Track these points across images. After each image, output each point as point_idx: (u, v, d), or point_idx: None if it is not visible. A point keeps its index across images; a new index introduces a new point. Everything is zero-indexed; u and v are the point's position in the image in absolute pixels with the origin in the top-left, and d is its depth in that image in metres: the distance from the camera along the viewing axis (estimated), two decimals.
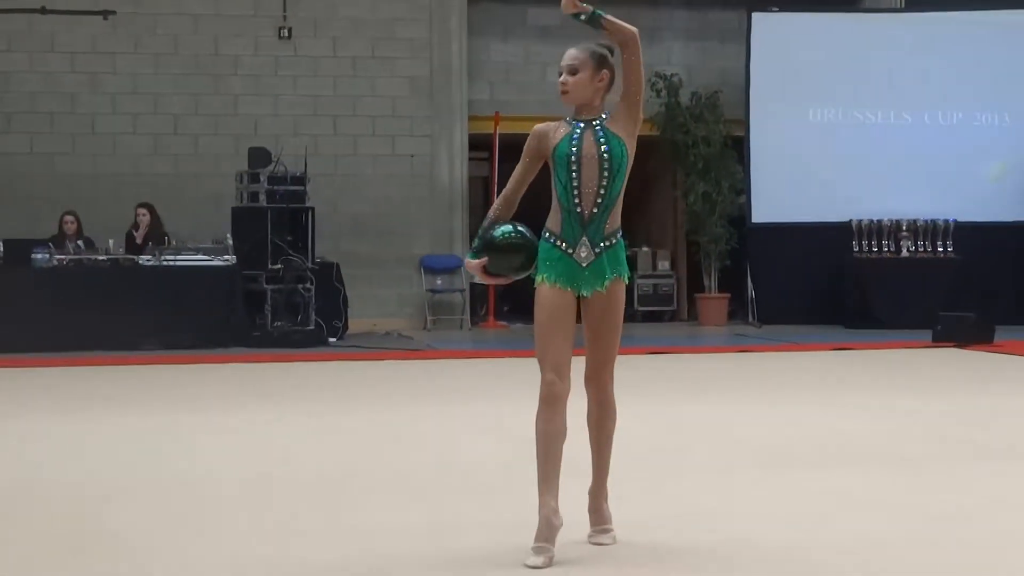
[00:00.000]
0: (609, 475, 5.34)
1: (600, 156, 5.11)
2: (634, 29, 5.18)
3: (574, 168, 5.10)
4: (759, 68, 18.69)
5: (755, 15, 18.79)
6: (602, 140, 5.13)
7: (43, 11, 17.85)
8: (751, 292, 18.81)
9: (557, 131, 5.19)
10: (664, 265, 20.18)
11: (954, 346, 15.06)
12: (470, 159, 19.36)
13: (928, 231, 18.54)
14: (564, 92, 5.20)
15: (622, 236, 5.24)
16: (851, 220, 18.46)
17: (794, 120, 18.74)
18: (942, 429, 8.82)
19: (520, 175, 5.28)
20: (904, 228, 18.47)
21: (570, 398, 5.11)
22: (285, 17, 18.52)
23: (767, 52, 18.68)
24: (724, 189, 19.21)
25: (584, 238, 5.12)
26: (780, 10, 19.02)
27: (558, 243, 5.14)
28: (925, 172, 18.74)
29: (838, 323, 18.14)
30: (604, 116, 5.22)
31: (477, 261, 5.21)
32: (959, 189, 18.66)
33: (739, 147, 19.03)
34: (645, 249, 20.39)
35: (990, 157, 18.85)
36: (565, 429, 5.09)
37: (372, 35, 18.72)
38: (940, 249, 18.50)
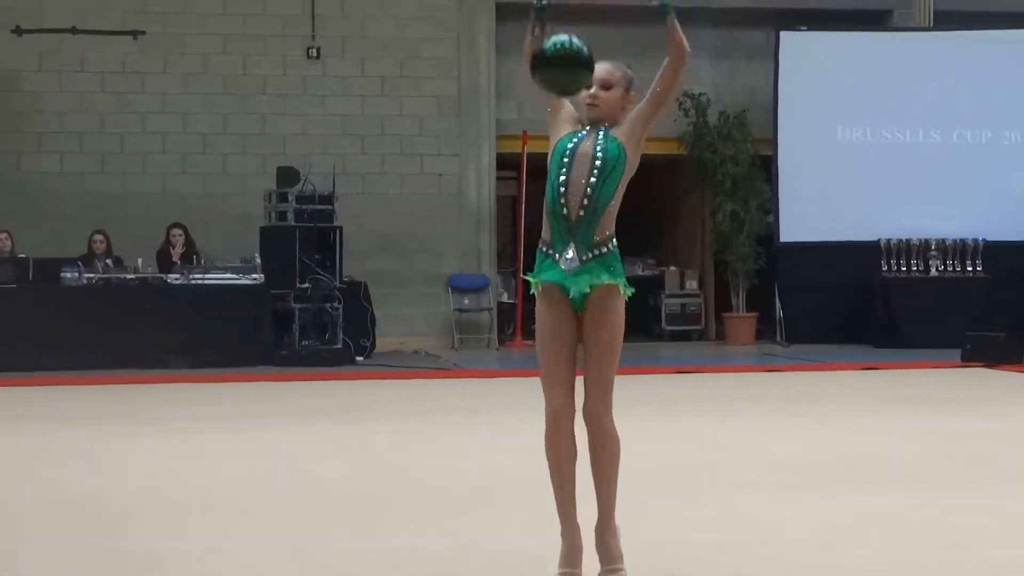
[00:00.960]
0: (616, 509, 5.01)
1: (593, 154, 4.90)
2: (688, 47, 5.19)
3: (565, 163, 4.90)
4: (787, 87, 18.65)
5: (783, 34, 18.76)
6: (600, 140, 4.95)
7: (73, 31, 17.96)
8: (779, 311, 18.76)
9: (566, 122, 5.06)
10: (692, 284, 20.14)
11: (983, 366, 14.98)
12: (498, 178, 19.37)
13: (957, 250, 18.47)
14: (594, 105, 5.02)
15: (616, 247, 4.96)
16: (879, 239, 18.40)
17: (822, 139, 18.70)
18: (971, 449, 8.77)
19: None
20: (933, 247, 18.41)
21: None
22: (313, 37, 18.58)
23: (795, 71, 18.65)
24: (752, 208, 19.16)
25: (571, 243, 4.87)
26: (808, 29, 18.98)
27: (548, 251, 4.93)
28: (954, 191, 18.68)
29: (866, 343, 18.06)
30: (615, 125, 5.06)
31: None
32: (988, 208, 18.59)
33: (767, 166, 18.99)
34: (673, 268, 20.36)
35: (1019, 176, 18.77)
36: (575, 451, 4.90)
37: (400, 54, 18.77)
38: (969, 268, 18.43)
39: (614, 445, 4.93)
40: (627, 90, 5.12)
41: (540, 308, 4.95)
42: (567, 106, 5.12)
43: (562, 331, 4.91)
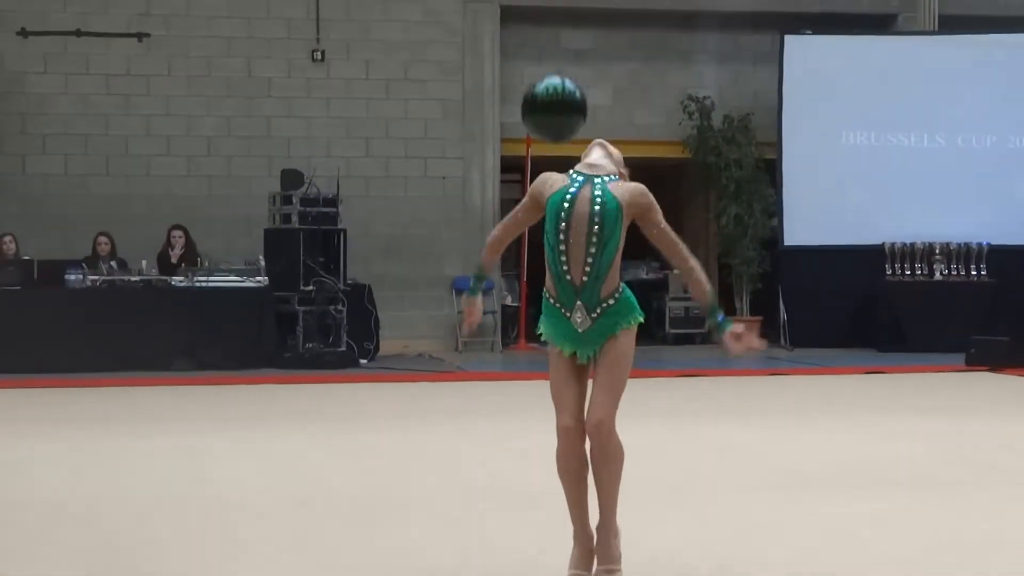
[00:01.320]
0: (617, 512, 5.02)
1: (591, 216, 4.69)
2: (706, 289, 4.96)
3: (562, 226, 4.71)
4: (791, 91, 18.65)
5: (788, 38, 18.75)
6: (597, 197, 4.73)
7: (78, 33, 17.98)
8: (783, 315, 18.75)
9: (558, 181, 4.84)
10: None
11: (987, 370, 14.97)
12: (502, 182, 19.37)
13: (961, 254, 18.46)
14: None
15: (623, 288, 4.89)
16: (884, 243, 18.40)
17: (827, 143, 18.69)
18: (975, 454, 8.77)
19: (517, 216, 4.97)
20: (937, 251, 18.39)
21: None
22: (318, 40, 18.59)
23: (800, 75, 18.65)
24: (756, 212, 19.16)
25: (579, 303, 4.77)
26: (812, 33, 18.98)
27: (554, 303, 4.85)
28: (958, 195, 18.66)
29: (870, 346, 18.05)
30: (612, 177, 4.84)
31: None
32: (993, 212, 18.58)
33: (771, 170, 18.99)
34: (677, 272, 20.29)
35: None
36: (586, 465, 4.89)
37: (405, 58, 18.77)
38: (973, 272, 18.42)
39: (619, 455, 4.92)
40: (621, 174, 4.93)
41: (554, 348, 4.91)
42: (542, 187, 4.87)
43: (576, 365, 4.89)
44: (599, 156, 4.90)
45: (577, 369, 4.88)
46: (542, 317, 4.93)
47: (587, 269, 4.72)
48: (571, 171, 4.90)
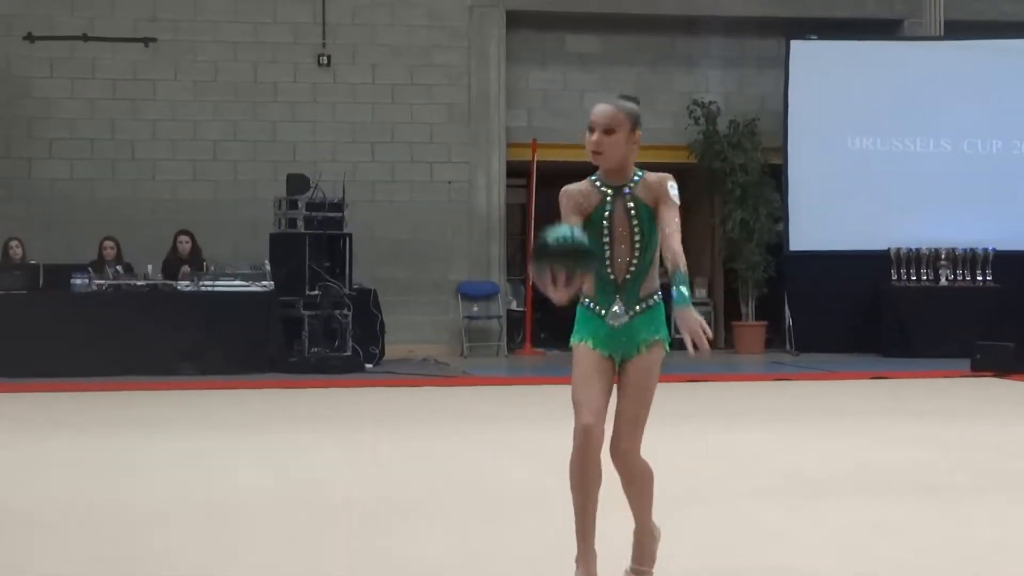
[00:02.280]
0: (652, 514, 5.02)
1: (631, 231, 4.86)
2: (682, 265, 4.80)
3: (606, 241, 4.86)
4: (797, 96, 18.65)
5: (793, 43, 18.76)
6: (632, 213, 4.87)
7: (85, 38, 18.02)
8: (788, 320, 18.75)
9: (589, 198, 4.89)
10: (701, 293, 20.13)
11: (993, 375, 14.97)
12: (508, 186, 19.39)
13: (967, 260, 18.46)
14: (597, 153, 4.83)
15: (661, 298, 4.92)
16: (889, 248, 18.40)
17: (832, 148, 18.69)
18: (981, 459, 8.75)
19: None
20: (943, 257, 18.39)
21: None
22: (324, 45, 18.61)
23: (805, 80, 18.65)
24: (762, 217, 19.17)
25: (618, 299, 4.87)
26: (818, 38, 18.99)
27: (593, 306, 4.91)
28: (964, 200, 18.66)
29: (876, 352, 18.05)
30: (636, 179, 4.91)
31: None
32: (998, 217, 18.57)
33: (777, 175, 19.00)
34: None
35: None
36: (600, 475, 4.78)
37: (410, 62, 18.79)
38: (979, 278, 18.41)
39: (647, 477, 4.93)
40: (632, 129, 4.92)
41: (582, 349, 4.90)
42: (577, 200, 4.91)
43: (603, 367, 4.87)
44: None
45: (602, 366, 4.86)
46: (575, 326, 4.95)
47: (631, 269, 4.87)
48: (596, 181, 4.94)
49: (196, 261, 16.28)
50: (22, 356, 14.65)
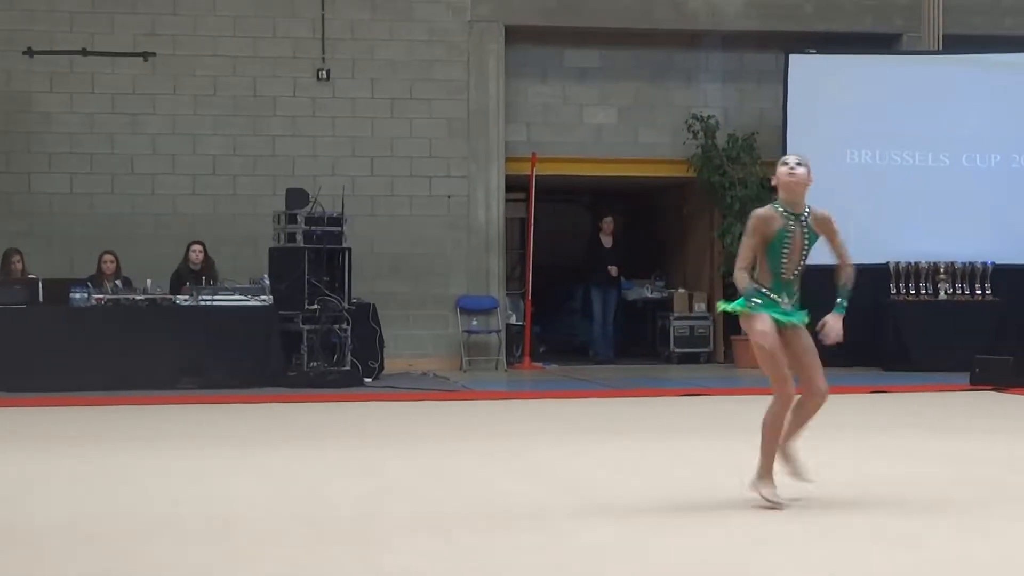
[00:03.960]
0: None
1: (803, 248, 7.22)
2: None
3: (785, 251, 7.16)
4: (796, 110, 18.66)
5: (792, 57, 18.78)
6: (806, 236, 7.22)
7: (84, 52, 18.04)
8: None
9: (775, 220, 7.14)
10: (700, 307, 20.14)
11: (992, 389, 14.96)
12: (507, 200, 19.39)
13: (966, 273, 18.46)
14: (794, 178, 7.20)
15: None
16: (888, 262, 18.39)
17: (831, 162, 18.64)
18: (980, 474, 8.75)
19: (751, 250, 7.16)
20: (942, 270, 18.40)
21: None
22: (323, 59, 18.64)
23: (804, 94, 18.66)
24: None
25: (784, 292, 7.23)
26: (817, 52, 19.02)
27: (769, 293, 7.18)
28: (963, 214, 18.65)
29: (875, 365, 18.04)
30: (807, 212, 7.23)
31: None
32: (997, 231, 18.57)
33: (776, 189, 18.97)
34: (681, 291, 20.36)
35: None
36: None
37: (410, 77, 18.82)
38: (978, 292, 18.41)
39: (826, 398, 7.52)
40: (808, 172, 7.25)
41: (763, 329, 7.07)
42: (766, 225, 7.15)
43: (777, 335, 7.11)
44: (796, 191, 7.30)
45: (784, 340, 7.16)
46: (752, 302, 7.12)
47: (796, 272, 7.26)
48: (779, 209, 7.22)
49: (209, 271, 16.26)
50: (21, 370, 14.64)
